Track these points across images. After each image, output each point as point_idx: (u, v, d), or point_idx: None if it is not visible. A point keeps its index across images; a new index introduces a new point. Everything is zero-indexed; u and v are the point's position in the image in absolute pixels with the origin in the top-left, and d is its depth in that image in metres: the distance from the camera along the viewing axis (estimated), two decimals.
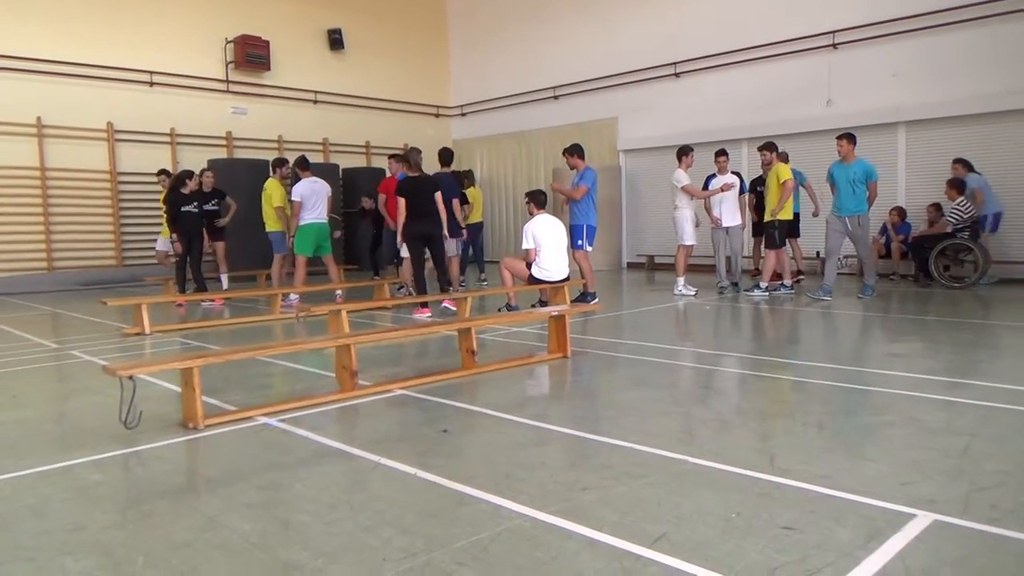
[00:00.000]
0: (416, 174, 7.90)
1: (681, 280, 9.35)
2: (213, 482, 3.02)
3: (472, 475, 2.90)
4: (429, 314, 7.65)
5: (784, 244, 9.12)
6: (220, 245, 10.16)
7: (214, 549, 2.31)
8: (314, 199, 9.08)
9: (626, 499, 2.61)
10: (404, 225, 7.81)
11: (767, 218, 8.94)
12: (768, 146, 9.09)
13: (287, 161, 9.90)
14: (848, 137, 8.40)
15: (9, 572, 2.19)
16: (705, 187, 9.52)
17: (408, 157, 8.00)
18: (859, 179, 8.25)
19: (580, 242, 8.31)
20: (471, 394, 4.41)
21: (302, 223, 9.05)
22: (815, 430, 3.43)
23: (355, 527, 2.44)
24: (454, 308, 7.55)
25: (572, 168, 8.51)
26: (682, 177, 9.28)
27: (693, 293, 9.18)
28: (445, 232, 8.11)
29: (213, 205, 9.83)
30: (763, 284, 8.88)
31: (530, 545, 2.26)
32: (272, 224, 9.64)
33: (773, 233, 8.89)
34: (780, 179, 8.75)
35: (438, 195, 7.83)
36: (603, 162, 14.49)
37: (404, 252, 9.47)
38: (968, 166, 9.79)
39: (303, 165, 9.39)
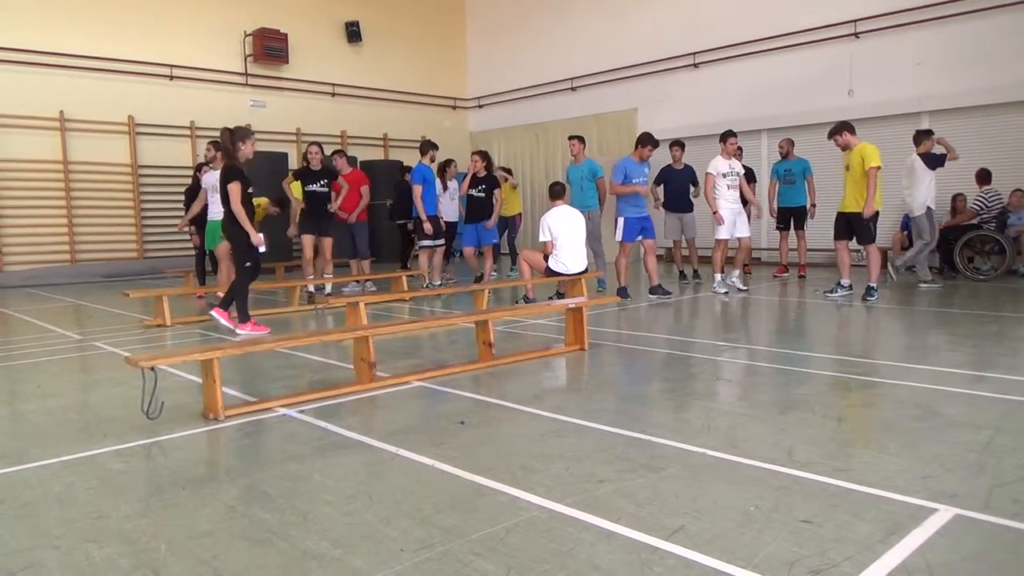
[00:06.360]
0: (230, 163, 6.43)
1: (717, 276, 8.55)
2: (234, 472, 3.05)
3: (489, 467, 2.91)
4: (260, 331, 6.38)
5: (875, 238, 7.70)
6: (327, 241, 8.96)
7: (235, 538, 2.34)
8: None
9: (643, 491, 2.61)
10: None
11: (853, 209, 7.52)
12: (845, 126, 7.63)
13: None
14: (578, 138, 8.92)
15: (35, 559, 2.24)
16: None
17: (221, 138, 6.44)
18: (587, 177, 8.63)
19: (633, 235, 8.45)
20: (488, 386, 4.42)
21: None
22: (835, 423, 3.41)
23: (373, 518, 2.46)
24: (226, 323, 6.28)
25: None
26: (713, 165, 8.46)
27: (744, 287, 8.60)
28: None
29: (322, 186, 8.76)
30: (873, 283, 7.64)
31: (547, 537, 2.26)
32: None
33: (869, 225, 7.51)
34: (868, 163, 7.26)
35: (231, 187, 6.25)
36: (621, 153, 14.34)
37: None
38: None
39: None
